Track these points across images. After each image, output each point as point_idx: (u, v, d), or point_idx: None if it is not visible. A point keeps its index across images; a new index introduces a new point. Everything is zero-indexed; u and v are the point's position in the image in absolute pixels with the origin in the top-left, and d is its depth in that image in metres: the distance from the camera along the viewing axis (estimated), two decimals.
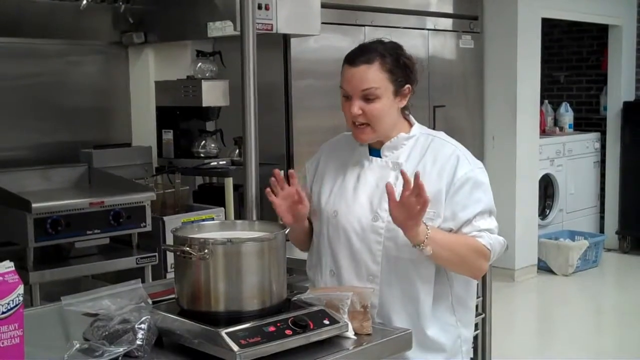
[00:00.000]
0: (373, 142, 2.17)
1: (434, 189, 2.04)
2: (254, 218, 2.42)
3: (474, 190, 2.09)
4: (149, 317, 1.77)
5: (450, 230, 2.07)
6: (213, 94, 4.12)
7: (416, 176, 1.90)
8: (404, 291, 2.10)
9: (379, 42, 2.15)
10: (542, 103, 6.92)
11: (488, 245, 2.06)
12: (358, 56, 2.10)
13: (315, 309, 1.84)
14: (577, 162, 7.30)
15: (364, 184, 2.15)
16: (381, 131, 2.12)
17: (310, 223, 2.26)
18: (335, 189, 2.20)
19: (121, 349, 1.70)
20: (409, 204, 1.90)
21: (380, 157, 2.16)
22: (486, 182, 2.14)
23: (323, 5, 4.03)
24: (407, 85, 2.13)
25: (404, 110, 2.18)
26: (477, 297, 3.36)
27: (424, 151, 2.14)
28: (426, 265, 2.09)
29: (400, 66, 2.11)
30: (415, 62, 2.15)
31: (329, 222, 2.18)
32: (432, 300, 2.11)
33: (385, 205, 2.02)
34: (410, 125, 2.20)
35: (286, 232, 1.95)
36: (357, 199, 2.14)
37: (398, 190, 1.95)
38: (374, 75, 2.07)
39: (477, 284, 3.37)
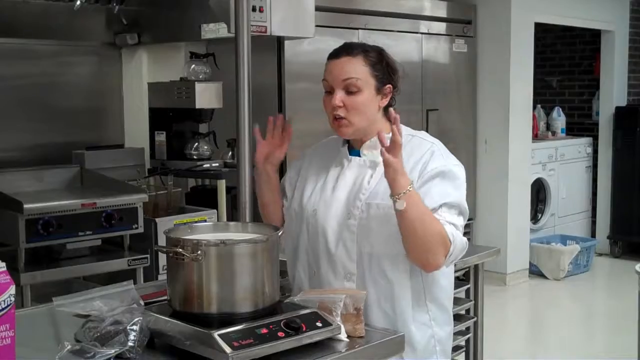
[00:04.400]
0: (355, 138, 2.17)
1: None
2: (247, 220, 2.42)
3: (444, 183, 2.05)
4: (141, 318, 1.76)
5: None
6: (206, 95, 4.12)
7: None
8: (380, 289, 2.08)
9: (362, 43, 2.19)
10: (534, 107, 6.93)
11: (450, 237, 1.99)
12: (341, 50, 2.13)
13: (307, 311, 1.84)
14: (569, 166, 7.32)
15: (342, 183, 2.16)
16: (359, 126, 2.12)
17: (281, 198, 2.31)
18: (317, 188, 2.21)
19: (113, 351, 1.69)
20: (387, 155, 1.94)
21: (360, 156, 2.18)
22: (460, 179, 2.09)
23: (317, 8, 4.03)
24: (389, 85, 2.13)
25: (385, 111, 2.17)
26: (469, 300, 3.37)
27: (402, 149, 2.11)
28: (401, 262, 2.07)
29: (382, 63, 2.12)
30: (399, 67, 2.16)
31: (308, 221, 2.18)
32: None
33: (358, 203, 2.07)
34: None
35: (280, 234, 1.95)
36: (335, 198, 2.15)
37: (372, 188, 2.08)
38: (355, 67, 2.09)
39: (469, 288, 3.40)
